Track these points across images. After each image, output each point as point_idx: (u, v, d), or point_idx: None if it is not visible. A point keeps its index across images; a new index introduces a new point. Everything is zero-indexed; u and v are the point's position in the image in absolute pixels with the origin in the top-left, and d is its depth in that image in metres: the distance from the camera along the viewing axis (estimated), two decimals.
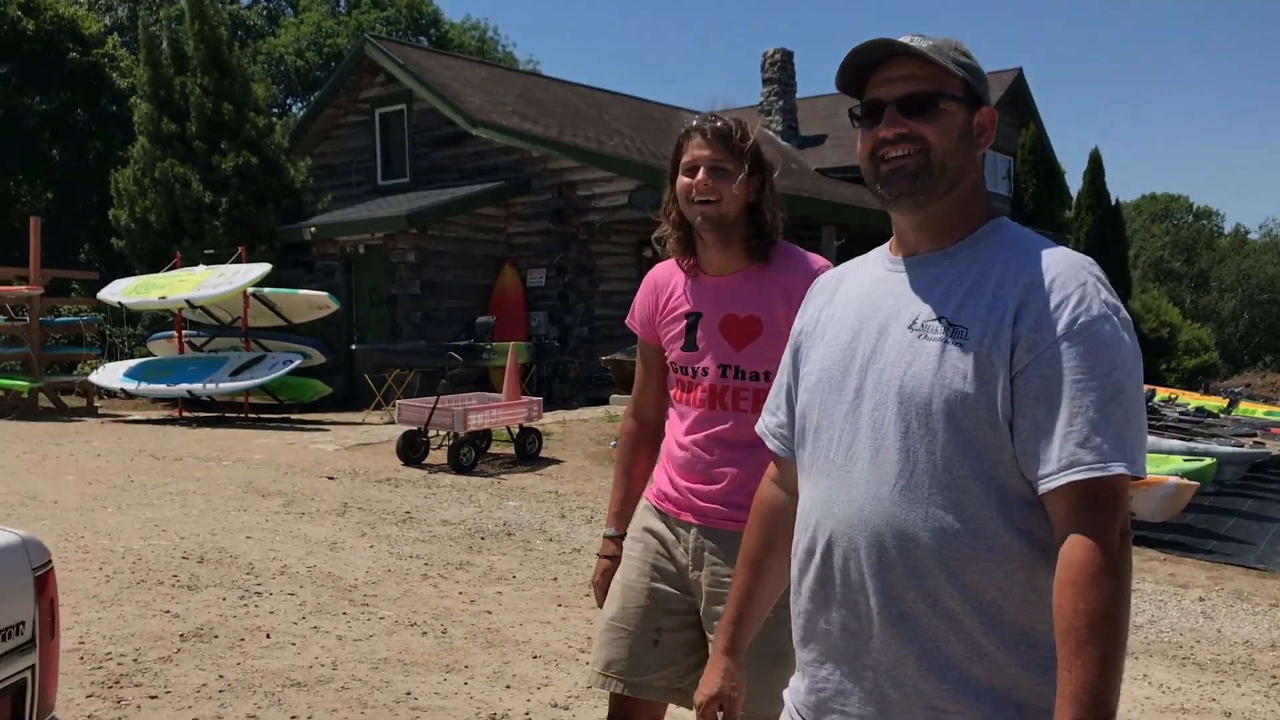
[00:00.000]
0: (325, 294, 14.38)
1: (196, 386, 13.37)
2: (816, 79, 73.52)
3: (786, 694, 1.75)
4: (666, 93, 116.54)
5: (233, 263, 14.61)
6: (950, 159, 1.57)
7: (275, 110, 22.04)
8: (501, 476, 9.88)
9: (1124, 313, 1.50)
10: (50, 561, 2.01)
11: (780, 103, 25.83)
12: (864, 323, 1.62)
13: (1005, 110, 25.61)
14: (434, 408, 10.16)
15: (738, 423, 2.40)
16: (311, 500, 8.18)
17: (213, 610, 5.23)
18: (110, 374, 14.39)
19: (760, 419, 1.87)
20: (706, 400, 2.43)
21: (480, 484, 9.41)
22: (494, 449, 11.13)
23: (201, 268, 14.69)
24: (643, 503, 2.59)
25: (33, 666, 1.96)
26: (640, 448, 2.67)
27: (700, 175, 2.35)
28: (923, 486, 1.51)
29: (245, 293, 13.76)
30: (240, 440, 11.56)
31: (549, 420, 12.14)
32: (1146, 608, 6.29)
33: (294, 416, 14.16)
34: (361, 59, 18.95)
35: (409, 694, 4.26)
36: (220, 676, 4.34)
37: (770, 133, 25.64)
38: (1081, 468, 1.42)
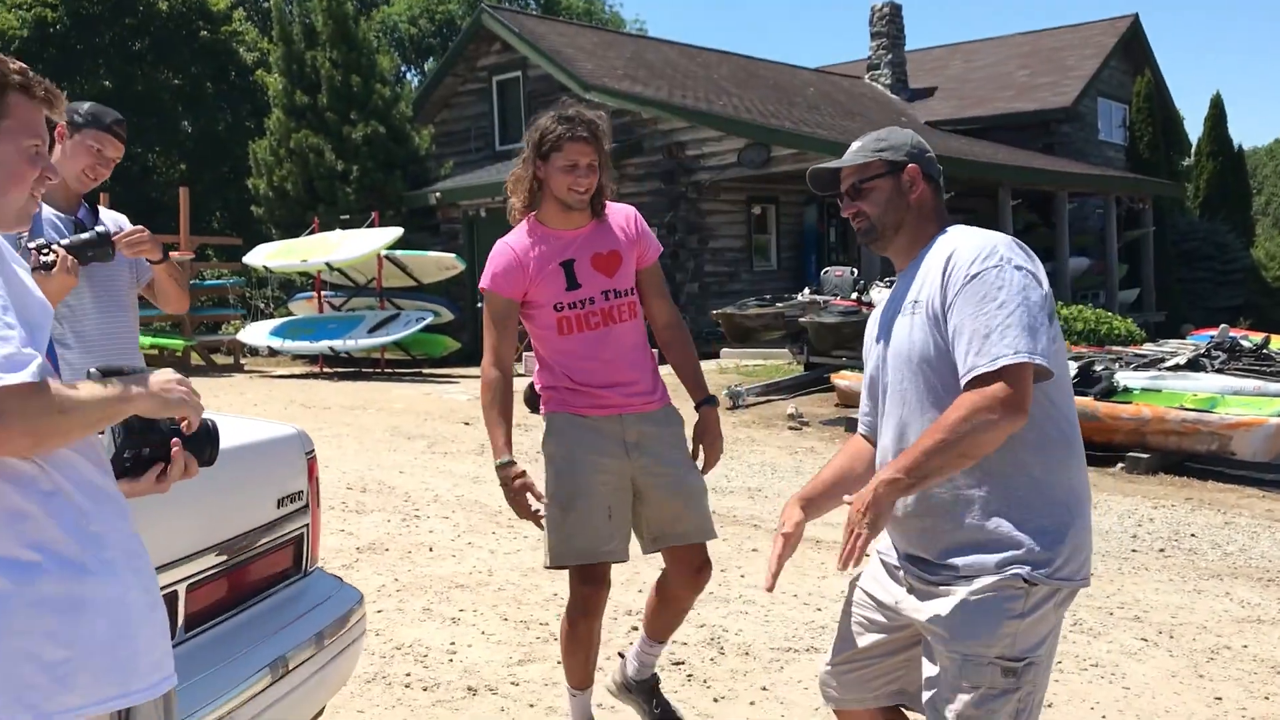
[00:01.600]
0: (452, 255, 15.20)
1: (337, 343, 14.36)
2: (926, 31, 71.90)
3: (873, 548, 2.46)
4: (775, 50, 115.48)
5: (366, 227, 15.52)
6: (885, 216, 2.37)
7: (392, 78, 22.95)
8: None
9: (1018, 260, 2.16)
10: (314, 449, 2.67)
11: (889, 56, 25.83)
12: (883, 322, 2.43)
13: (1120, 58, 25.17)
14: None
15: (626, 329, 3.19)
16: (451, 442, 8.95)
17: (380, 530, 5.99)
18: (257, 332, 15.50)
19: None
20: (601, 320, 3.15)
21: None
22: None
23: (337, 232, 15.65)
24: (566, 418, 3.18)
25: (307, 525, 2.63)
26: (508, 390, 3.22)
27: (583, 174, 3.08)
28: (919, 408, 2.27)
29: (379, 255, 14.66)
30: (380, 392, 12.47)
31: (663, 371, 12.74)
32: (1238, 538, 6.62)
33: (426, 370, 15.07)
34: (479, 29, 19.69)
35: (555, 594, 4.94)
36: (395, 579, 5.08)
37: (879, 87, 25.69)
38: (978, 369, 2.12)
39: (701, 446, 3.26)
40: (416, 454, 8.36)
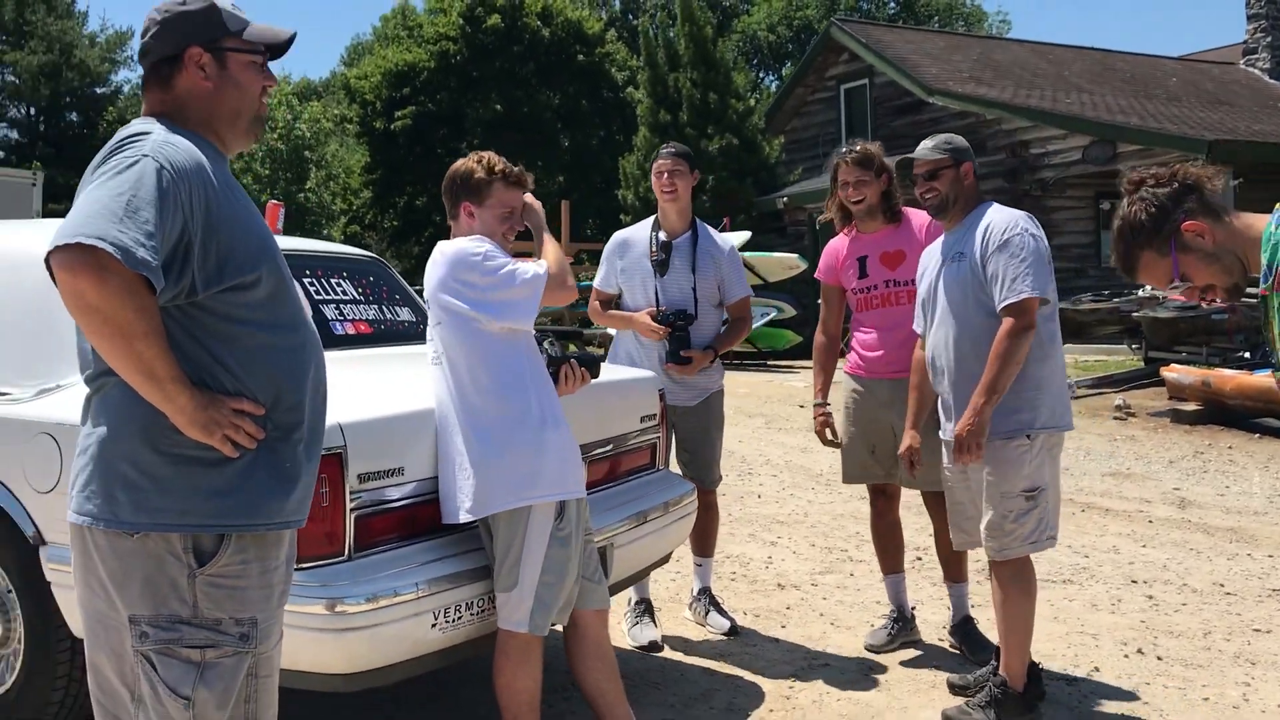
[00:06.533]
0: (795, 255, 16.42)
1: None
2: None
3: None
4: (1145, 40, 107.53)
5: (719, 231, 17.06)
6: (949, 193, 3.56)
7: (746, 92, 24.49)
8: None
9: (1033, 230, 3.30)
10: (664, 389, 3.97)
11: (1268, 39, 24.29)
12: (933, 262, 3.64)
13: None
14: None
15: (904, 312, 4.04)
16: (786, 421, 10.17)
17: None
18: None
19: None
20: (880, 302, 4.20)
21: None
22: None
23: None
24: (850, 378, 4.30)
25: (659, 436, 3.93)
26: (830, 350, 4.55)
27: (854, 189, 4.17)
28: (961, 320, 3.50)
29: None
30: (727, 379, 13.87)
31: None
32: None
33: (769, 361, 16.41)
34: (828, 41, 20.83)
35: (857, 532, 6.02)
36: (728, 514, 6.33)
37: (1255, 72, 24.25)
38: (1007, 300, 3.35)
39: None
40: (754, 429, 9.65)
